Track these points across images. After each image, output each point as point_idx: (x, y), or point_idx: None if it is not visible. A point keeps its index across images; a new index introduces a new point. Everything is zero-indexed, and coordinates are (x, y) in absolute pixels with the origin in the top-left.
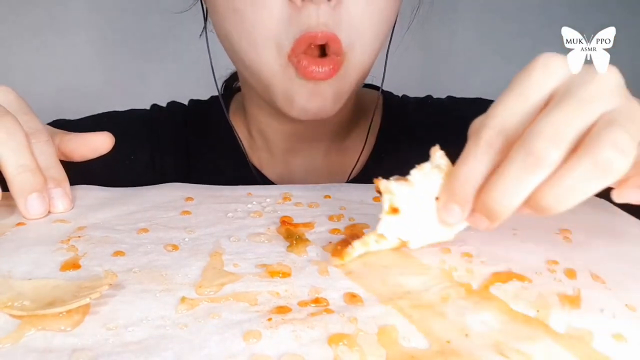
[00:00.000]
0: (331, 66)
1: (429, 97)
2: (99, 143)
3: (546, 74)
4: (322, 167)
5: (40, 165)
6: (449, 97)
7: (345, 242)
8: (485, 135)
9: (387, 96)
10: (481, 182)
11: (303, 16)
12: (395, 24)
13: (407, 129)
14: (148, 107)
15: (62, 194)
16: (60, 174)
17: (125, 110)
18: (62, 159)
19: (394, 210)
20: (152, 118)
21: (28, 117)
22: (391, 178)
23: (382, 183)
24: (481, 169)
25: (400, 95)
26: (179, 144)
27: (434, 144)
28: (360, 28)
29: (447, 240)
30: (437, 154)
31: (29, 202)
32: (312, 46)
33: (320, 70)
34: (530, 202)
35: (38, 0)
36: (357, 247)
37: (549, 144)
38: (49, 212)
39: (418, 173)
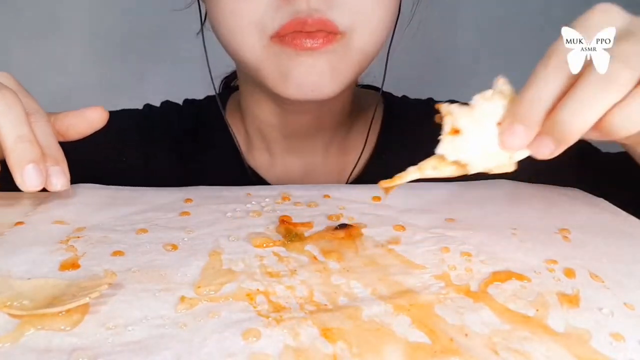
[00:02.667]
0: (321, 40)
1: (430, 99)
2: (95, 117)
3: (607, 16)
4: (320, 169)
5: (39, 143)
6: (451, 101)
7: None
8: (557, 59)
9: (388, 97)
10: (551, 104)
11: (292, 4)
12: (397, 19)
13: (408, 130)
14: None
15: (60, 171)
16: (59, 154)
17: (117, 110)
18: (59, 139)
19: (455, 131)
20: (144, 118)
21: (28, 99)
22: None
23: (443, 106)
24: (552, 89)
25: (400, 96)
26: (172, 144)
27: (435, 146)
28: (359, 9)
29: (506, 170)
30: (500, 81)
31: (26, 173)
32: (303, 32)
33: (308, 42)
34: (600, 123)
35: (38, 0)
36: (411, 172)
37: (622, 65)
38: (45, 189)
39: (480, 97)
